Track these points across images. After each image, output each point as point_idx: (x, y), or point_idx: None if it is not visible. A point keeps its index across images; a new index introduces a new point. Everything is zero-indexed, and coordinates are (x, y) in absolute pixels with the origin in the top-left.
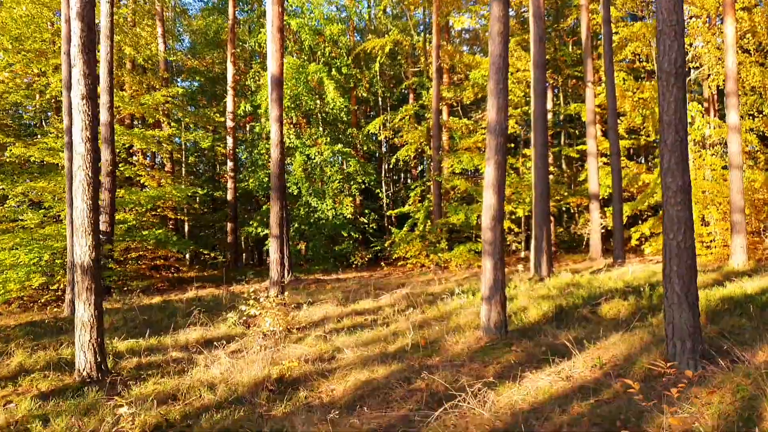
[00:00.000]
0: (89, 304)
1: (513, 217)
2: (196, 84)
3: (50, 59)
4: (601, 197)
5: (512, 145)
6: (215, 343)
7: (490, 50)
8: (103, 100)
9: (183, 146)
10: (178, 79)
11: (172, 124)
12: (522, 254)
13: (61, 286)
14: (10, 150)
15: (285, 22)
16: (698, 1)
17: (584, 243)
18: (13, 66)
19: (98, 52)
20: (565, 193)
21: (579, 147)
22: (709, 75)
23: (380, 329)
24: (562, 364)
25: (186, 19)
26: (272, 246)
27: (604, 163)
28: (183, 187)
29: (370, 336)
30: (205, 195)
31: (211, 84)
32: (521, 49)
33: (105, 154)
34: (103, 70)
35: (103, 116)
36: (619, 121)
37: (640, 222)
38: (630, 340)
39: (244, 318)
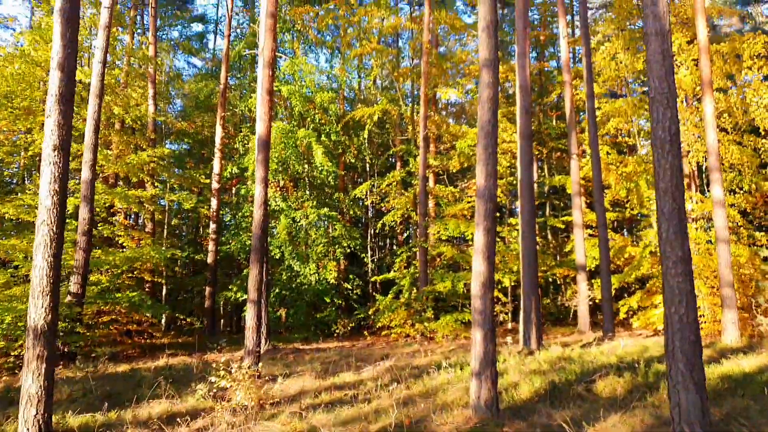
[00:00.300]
0: (38, 375)
1: (499, 286)
2: (185, 147)
3: (37, 116)
4: (588, 269)
5: (498, 214)
6: (180, 418)
7: (479, 116)
8: (86, 158)
9: (167, 208)
10: (167, 141)
11: (156, 184)
12: (509, 325)
13: (23, 352)
14: None
15: (276, 88)
16: (675, 82)
17: (571, 315)
18: None
19: (86, 110)
20: (552, 264)
21: (564, 218)
22: (689, 152)
23: (361, 406)
24: None
25: (179, 83)
26: (249, 312)
27: (590, 235)
28: (162, 248)
29: (350, 414)
30: (186, 258)
31: (200, 146)
32: (507, 120)
33: (83, 212)
34: (88, 128)
35: (85, 173)
36: (603, 194)
37: (626, 295)
38: (631, 422)
39: (215, 390)
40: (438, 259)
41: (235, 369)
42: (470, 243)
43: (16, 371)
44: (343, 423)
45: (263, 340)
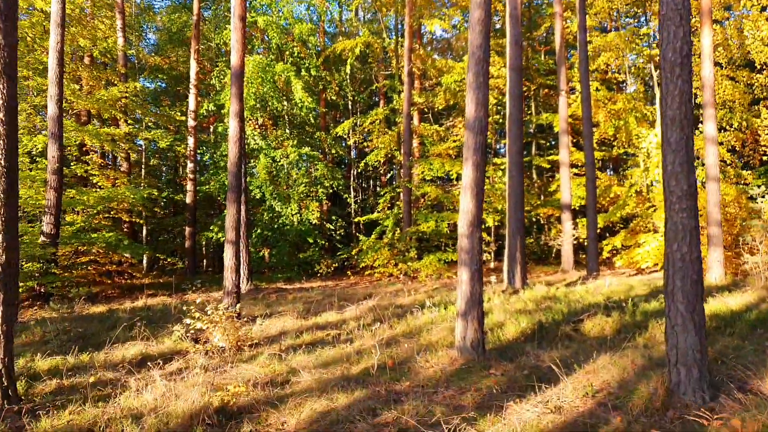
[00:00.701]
0: None
1: (483, 226)
2: (160, 85)
3: None
4: (572, 208)
5: None
6: (153, 361)
7: (470, 40)
8: (51, 92)
9: (143, 147)
10: (141, 78)
11: (129, 121)
12: (492, 265)
13: None
14: None
15: (252, 19)
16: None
17: (553, 254)
18: None
19: (49, 42)
20: (536, 203)
21: (550, 157)
22: None
23: (343, 347)
24: (549, 392)
25: (150, 15)
26: (227, 252)
27: (576, 174)
28: (138, 188)
29: (331, 355)
30: (165, 198)
31: (175, 83)
32: (495, 54)
33: (52, 150)
34: (51, 60)
35: (51, 109)
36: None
37: (608, 234)
38: (621, 363)
39: (193, 332)
40: (422, 200)
41: (212, 310)
42: (455, 183)
43: None
44: (324, 365)
45: (244, 280)
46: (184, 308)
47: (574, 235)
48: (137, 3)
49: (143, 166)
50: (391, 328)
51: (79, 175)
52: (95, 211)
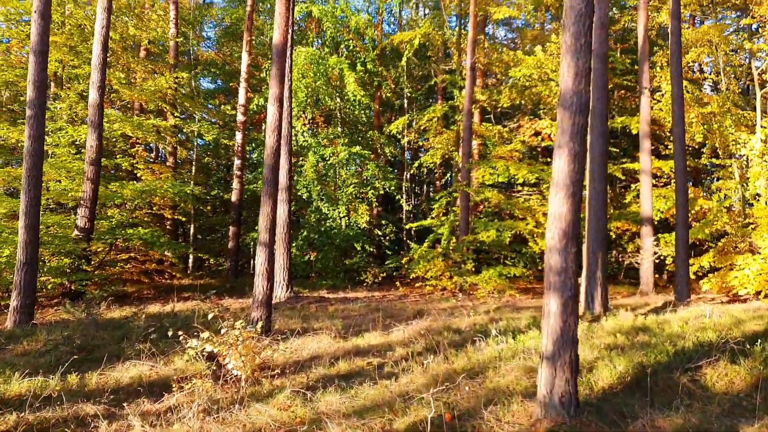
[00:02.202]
0: None
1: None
2: (218, 84)
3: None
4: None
5: (548, 159)
6: (154, 389)
7: None
8: (93, 78)
9: (195, 144)
10: (195, 73)
11: (177, 114)
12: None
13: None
14: None
15: (306, 9)
16: None
17: (622, 273)
18: (10, 42)
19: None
20: (609, 216)
21: (624, 165)
22: None
23: (386, 384)
24: None
25: (207, 10)
26: (259, 255)
27: (654, 185)
28: (178, 183)
29: (371, 396)
30: (215, 197)
31: (229, 79)
32: None
33: (90, 139)
34: (96, 45)
35: (92, 96)
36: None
37: (692, 253)
38: None
39: (207, 352)
40: (481, 206)
41: (226, 328)
42: (520, 189)
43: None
44: (360, 412)
45: (283, 287)
46: (210, 317)
47: (655, 253)
48: (196, 2)
49: (194, 162)
50: (448, 362)
51: (124, 168)
52: (134, 206)
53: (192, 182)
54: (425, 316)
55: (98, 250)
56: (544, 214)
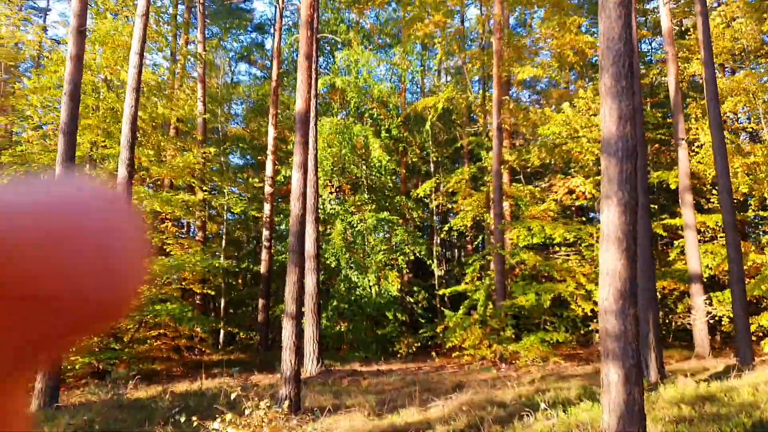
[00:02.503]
0: None
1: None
2: (250, 160)
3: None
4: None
5: (583, 218)
6: None
7: (603, 29)
8: (123, 156)
9: (224, 218)
10: (224, 149)
11: (205, 188)
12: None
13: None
14: None
15: (330, 81)
16: None
17: (671, 335)
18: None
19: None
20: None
21: (666, 221)
22: None
23: None
24: None
25: (237, 90)
26: (286, 328)
27: (700, 240)
28: (207, 257)
29: None
30: (245, 269)
31: (257, 153)
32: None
33: None
34: (125, 124)
35: (121, 173)
36: (714, 191)
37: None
38: None
39: None
40: (517, 269)
41: (250, 408)
42: (557, 249)
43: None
44: None
45: (313, 360)
46: (233, 397)
47: (708, 313)
48: (224, 80)
49: (224, 236)
50: None
51: (154, 244)
52: (163, 281)
53: (222, 256)
54: (465, 389)
55: (128, 327)
56: (584, 275)
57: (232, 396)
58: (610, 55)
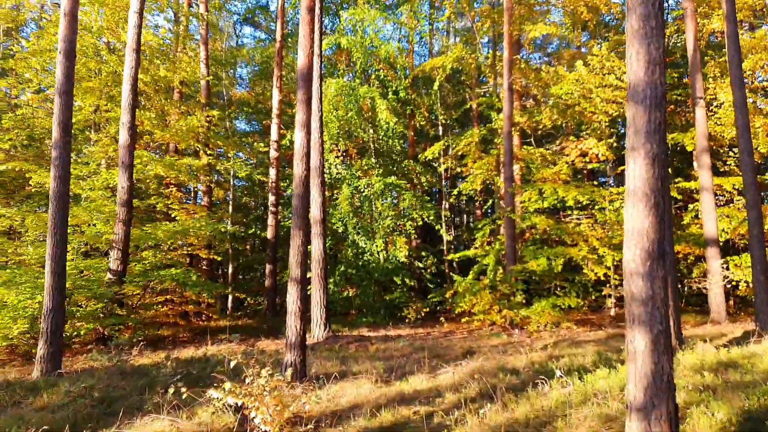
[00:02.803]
0: None
1: (602, 264)
2: (254, 125)
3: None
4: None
5: (595, 182)
6: None
7: None
8: (123, 119)
9: (231, 184)
10: (229, 113)
11: (210, 152)
12: (612, 312)
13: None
14: (31, 176)
15: (335, 41)
16: None
17: (683, 299)
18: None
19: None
20: None
21: (679, 184)
22: None
23: None
24: None
25: (238, 51)
26: (291, 293)
27: (716, 204)
28: (212, 222)
29: None
30: (253, 235)
31: (263, 118)
32: (617, 56)
33: (121, 180)
34: (125, 86)
35: (122, 137)
36: (732, 153)
37: None
38: None
39: (232, 405)
40: (528, 234)
41: (251, 376)
42: (569, 213)
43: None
44: None
45: (321, 326)
46: (255, 357)
47: (725, 277)
48: (228, 44)
49: (231, 201)
50: (507, 410)
51: (159, 209)
52: (167, 247)
53: (229, 221)
54: (475, 355)
55: (134, 293)
56: (597, 239)
57: (232, 363)
58: None
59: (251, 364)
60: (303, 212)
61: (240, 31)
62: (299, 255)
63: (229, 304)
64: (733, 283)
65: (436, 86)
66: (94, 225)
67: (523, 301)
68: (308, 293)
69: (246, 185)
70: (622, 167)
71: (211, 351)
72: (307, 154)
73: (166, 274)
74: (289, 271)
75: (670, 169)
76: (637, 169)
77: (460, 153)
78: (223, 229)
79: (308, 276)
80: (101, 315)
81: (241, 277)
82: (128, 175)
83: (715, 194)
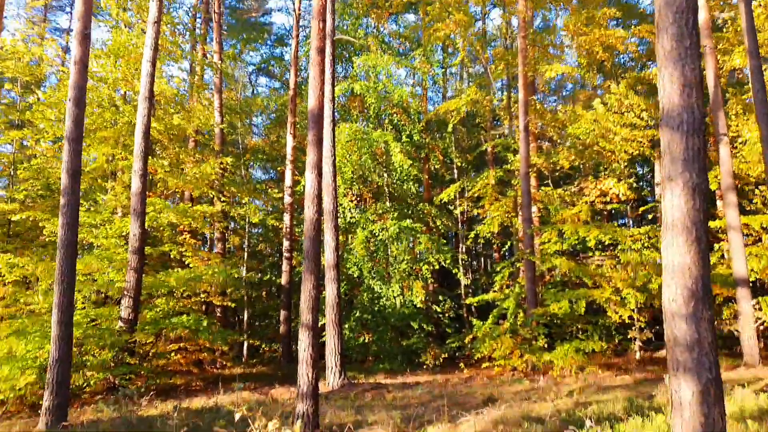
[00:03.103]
0: None
1: (624, 305)
2: (271, 174)
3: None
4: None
5: (615, 224)
6: None
7: None
8: (136, 167)
9: (246, 231)
10: (245, 161)
11: (223, 198)
12: (637, 354)
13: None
14: (44, 225)
15: (348, 87)
16: None
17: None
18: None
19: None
20: None
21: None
22: None
23: None
24: None
25: (252, 100)
26: (302, 340)
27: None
28: (226, 268)
29: None
30: (268, 282)
31: (278, 165)
32: (634, 93)
33: (133, 228)
34: (137, 134)
35: (135, 185)
36: (758, 191)
37: None
38: None
39: None
40: (548, 276)
41: (257, 429)
42: (591, 255)
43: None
44: None
45: (336, 374)
46: (237, 417)
47: (758, 319)
48: (243, 95)
49: (246, 248)
50: None
51: (173, 257)
52: (180, 294)
53: (244, 268)
54: (497, 403)
55: (146, 341)
56: (621, 280)
57: (237, 415)
58: (670, 11)
59: (258, 416)
60: (314, 256)
61: (255, 81)
62: (311, 300)
63: (245, 351)
64: (766, 324)
65: (450, 128)
66: (107, 274)
67: (545, 346)
68: (323, 340)
69: (261, 232)
70: (643, 207)
71: (224, 400)
72: (318, 196)
73: (178, 322)
74: (300, 317)
75: None
76: (675, 200)
77: (476, 195)
78: (236, 275)
79: (322, 322)
80: (112, 364)
81: (256, 323)
82: (140, 223)
83: (742, 233)
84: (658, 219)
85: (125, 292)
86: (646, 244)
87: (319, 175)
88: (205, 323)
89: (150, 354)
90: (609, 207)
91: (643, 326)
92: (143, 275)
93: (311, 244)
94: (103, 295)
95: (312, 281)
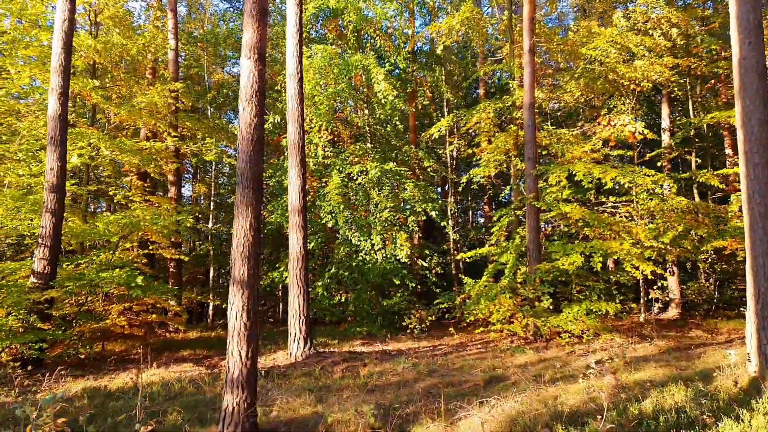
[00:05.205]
0: None
1: (650, 263)
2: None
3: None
4: None
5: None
6: None
7: None
8: (53, 83)
9: (213, 179)
10: (215, 97)
11: (174, 134)
12: (671, 312)
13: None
14: None
15: (324, 3)
16: None
17: (723, 304)
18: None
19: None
20: (706, 233)
21: (723, 170)
22: None
23: None
24: None
25: (216, 27)
26: (233, 303)
27: None
28: (169, 213)
29: None
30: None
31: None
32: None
33: (50, 161)
34: (56, 43)
35: (51, 106)
36: None
37: None
38: None
39: None
40: (548, 228)
41: None
42: (604, 200)
43: None
44: None
45: (301, 342)
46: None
47: None
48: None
49: (212, 198)
50: None
51: (117, 201)
52: (115, 244)
53: (210, 219)
54: (502, 383)
55: (70, 300)
56: (643, 231)
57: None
58: None
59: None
60: (253, 179)
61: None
62: (247, 244)
63: (210, 312)
64: None
65: (440, 50)
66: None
67: (551, 307)
68: (256, 301)
69: (231, 183)
70: (658, 150)
71: (159, 376)
72: (259, 92)
73: (107, 277)
74: (231, 268)
75: (702, 154)
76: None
77: (471, 131)
78: (188, 224)
79: (286, 280)
80: (21, 330)
81: (223, 282)
82: (59, 154)
83: None
84: (665, 167)
85: (40, 240)
86: (672, 189)
87: (260, 61)
88: (139, 279)
89: (75, 316)
90: (614, 153)
91: (665, 285)
92: (65, 221)
93: (248, 162)
94: (16, 245)
95: (249, 216)
